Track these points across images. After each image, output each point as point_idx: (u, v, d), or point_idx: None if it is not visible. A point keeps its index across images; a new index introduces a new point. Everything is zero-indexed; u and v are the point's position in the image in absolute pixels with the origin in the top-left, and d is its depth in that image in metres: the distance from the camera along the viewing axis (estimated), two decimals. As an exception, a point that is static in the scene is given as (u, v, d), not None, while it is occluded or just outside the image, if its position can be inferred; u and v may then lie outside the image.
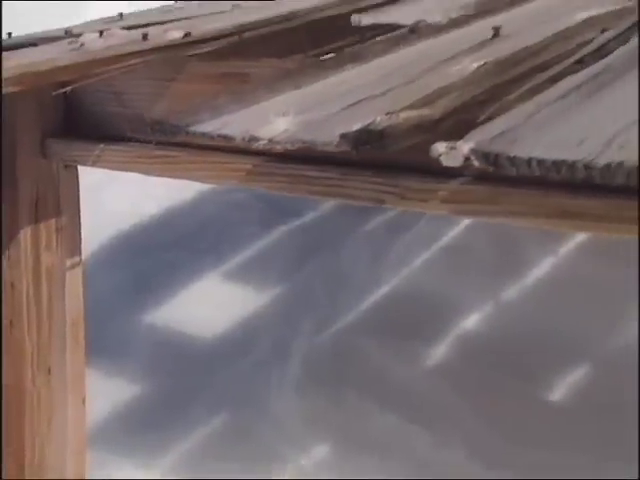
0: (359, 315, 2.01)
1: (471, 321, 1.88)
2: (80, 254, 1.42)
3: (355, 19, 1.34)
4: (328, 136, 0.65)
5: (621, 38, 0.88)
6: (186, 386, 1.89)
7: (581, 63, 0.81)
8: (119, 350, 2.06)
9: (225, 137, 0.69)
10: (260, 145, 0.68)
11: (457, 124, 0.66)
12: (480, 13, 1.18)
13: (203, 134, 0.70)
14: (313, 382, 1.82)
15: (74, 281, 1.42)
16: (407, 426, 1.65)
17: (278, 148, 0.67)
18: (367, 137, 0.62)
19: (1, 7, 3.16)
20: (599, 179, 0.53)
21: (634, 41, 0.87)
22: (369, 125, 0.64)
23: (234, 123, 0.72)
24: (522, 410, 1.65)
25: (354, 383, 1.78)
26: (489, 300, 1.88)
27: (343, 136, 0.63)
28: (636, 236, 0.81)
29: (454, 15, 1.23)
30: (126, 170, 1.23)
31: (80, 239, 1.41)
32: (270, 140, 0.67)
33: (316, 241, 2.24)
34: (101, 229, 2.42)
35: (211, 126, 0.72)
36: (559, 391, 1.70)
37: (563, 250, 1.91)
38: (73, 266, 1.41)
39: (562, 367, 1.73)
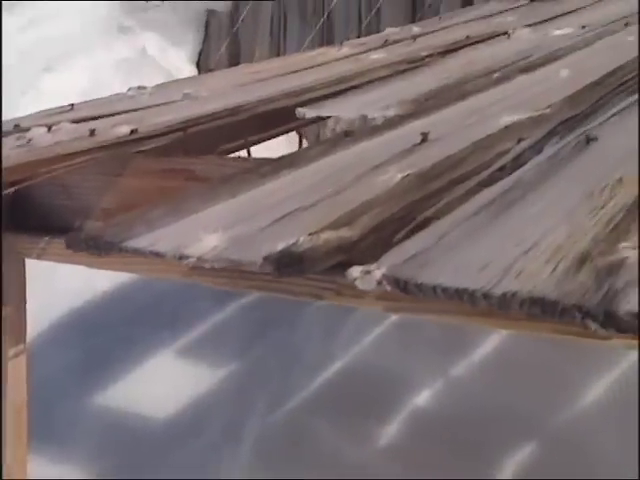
0: (312, 393, 2.02)
1: (422, 398, 1.90)
2: (25, 342, 1.42)
3: (300, 113, 1.40)
4: (253, 256, 0.68)
5: (536, 148, 0.94)
6: (135, 470, 1.85)
7: (497, 175, 0.86)
8: (66, 434, 2.01)
9: (157, 254, 0.72)
10: (190, 263, 0.71)
11: (375, 242, 0.71)
12: (414, 113, 1.25)
13: (136, 250, 0.73)
14: (265, 464, 1.81)
15: (18, 370, 1.40)
16: (359, 509, 1.64)
17: (207, 266, 0.70)
18: (288, 260, 0.65)
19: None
20: (497, 307, 0.57)
21: (548, 150, 0.94)
22: (291, 247, 0.67)
23: (166, 238, 0.75)
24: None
25: (306, 464, 1.77)
26: (439, 377, 1.90)
27: (266, 258, 0.66)
28: (553, 335, 0.85)
29: (391, 111, 1.31)
30: (70, 263, 1.24)
31: (25, 327, 1.41)
32: (199, 258, 0.70)
33: (271, 316, 2.26)
34: (53, 306, 2.40)
35: (145, 241, 0.75)
36: (509, 469, 1.72)
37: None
38: (17, 354, 1.40)
39: (511, 445, 1.75)
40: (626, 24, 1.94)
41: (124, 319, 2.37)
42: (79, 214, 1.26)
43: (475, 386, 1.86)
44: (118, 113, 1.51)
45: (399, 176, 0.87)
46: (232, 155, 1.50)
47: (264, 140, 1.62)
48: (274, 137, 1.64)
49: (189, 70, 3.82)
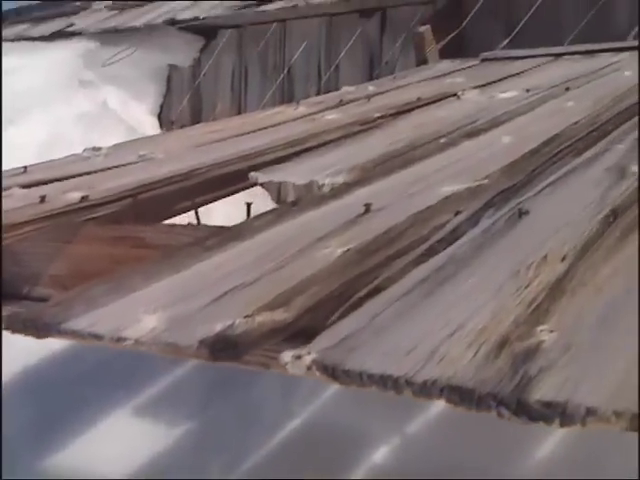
0: (270, 451, 2.00)
1: (380, 454, 1.89)
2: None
3: (253, 177, 1.44)
4: (189, 339, 0.69)
5: (472, 220, 0.98)
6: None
7: (434, 248, 0.90)
8: (18, 498, 1.96)
9: (95, 336, 0.73)
10: (128, 345, 0.71)
11: (309, 323, 0.72)
12: (361, 181, 1.29)
13: (74, 332, 0.74)
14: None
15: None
16: None
17: (144, 349, 0.71)
18: (223, 345, 0.66)
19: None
20: (419, 395, 0.58)
21: (483, 223, 0.97)
22: (226, 330, 0.69)
23: (106, 319, 0.76)
24: None
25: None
26: (395, 434, 1.91)
27: (202, 342, 0.67)
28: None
29: (341, 178, 1.35)
30: (17, 333, 1.23)
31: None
32: (136, 341, 0.71)
33: (228, 374, 2.24)
34: (7, 365, 2.35)
35: (84, 322, 0.75)
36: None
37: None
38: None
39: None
40: (567, 88, 2.04)
41: (80, 377, 2.34)
42: (28, 281, 1.25)
43: (431, 441, 1.87)
44: (71, 176, 1.52)
45: (339, 251, 0.89)
46: (183, 215, 1.51)
47: (217, 200, 1.65)
48: (226, 197, 1.66)
49: (150, 123, 3.86)
